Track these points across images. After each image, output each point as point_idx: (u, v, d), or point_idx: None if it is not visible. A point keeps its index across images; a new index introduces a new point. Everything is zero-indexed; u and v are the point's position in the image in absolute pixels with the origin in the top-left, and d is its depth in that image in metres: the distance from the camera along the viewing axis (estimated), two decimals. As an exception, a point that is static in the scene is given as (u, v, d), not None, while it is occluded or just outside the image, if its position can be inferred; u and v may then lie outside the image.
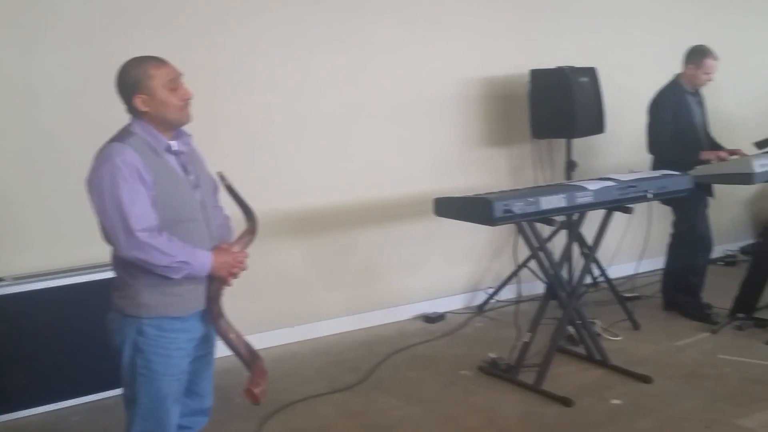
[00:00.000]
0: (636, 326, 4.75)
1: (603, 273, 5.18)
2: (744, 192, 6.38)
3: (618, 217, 4.14)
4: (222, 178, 2.53)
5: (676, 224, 4.94)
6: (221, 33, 4.30)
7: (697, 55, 4.76)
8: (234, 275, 2.44)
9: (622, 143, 5.61)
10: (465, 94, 5.16)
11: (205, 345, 2.52)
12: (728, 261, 6.19)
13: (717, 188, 4.97)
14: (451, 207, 3.85)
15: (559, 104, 4.99)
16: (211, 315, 2.45)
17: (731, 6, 6.28)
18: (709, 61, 4.73)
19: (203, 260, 2.34)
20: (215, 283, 2.42)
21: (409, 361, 4.37)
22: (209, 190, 2.54)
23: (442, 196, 3.88)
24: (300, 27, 4.54)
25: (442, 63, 5.05)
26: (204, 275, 2.37)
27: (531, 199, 3.64)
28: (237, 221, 2.62)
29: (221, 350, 2.58)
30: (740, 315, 4.71)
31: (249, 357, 2.46)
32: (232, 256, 2.41)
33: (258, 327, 4.33)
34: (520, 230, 3.91)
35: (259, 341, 4.14)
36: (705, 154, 4.72)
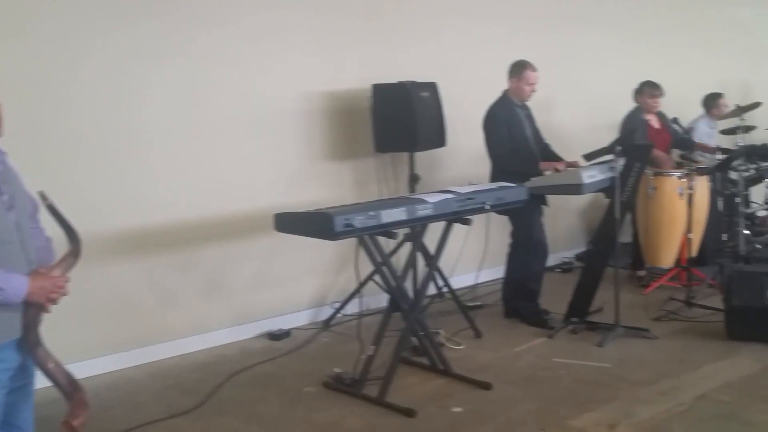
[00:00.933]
0: (478, 334, 4.98)
1: (446, 283, 5.40)
2: (579, 201, 6.83)
3: (459, 228, 4.33)
4: (43, 197, 2.44)
5: (514, 234, 5.22)
6: (43, 42, 4.12)
7: (518, 69, 5.08)
8: (53, 301, 2.35)
9: (464, 156, 5.86)
10: (308, 108, 5.23)
11: (22, 375, 2.41)
12: (565, 268, 6.61)
13: (554, 198, 5.30)
14: (291, 222, 3.89)
15: (401, 118, 5.16)
16: (28, 344, 2.35)
17: (563, 26, 6.72)
18: (528, 73, 5.06)
19: (18, 285, 2.24)
20: (32, 309, 2.32)
21: (252, 380, 4.35)
22: (26, 211, 2.44)
23: (282, 212, 3.91)
24: (132, 37, 4.45)
25: (284, 76, 5.09)
26: (19, 301, 2.28)
27: (372, 213, 3.73)
28: (62, 243, 2.53)
29: (45, 381, 2.49)
30: (574, 319, 5.04)
31: (69, 387, 2.37)
32: (50, 281, 2.33)
33: (89, 353, 4.19)
34: (362, 244, 4.01)
35: (89, 368, 4.06)
36: (544, 165, 5.04)
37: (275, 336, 5.02)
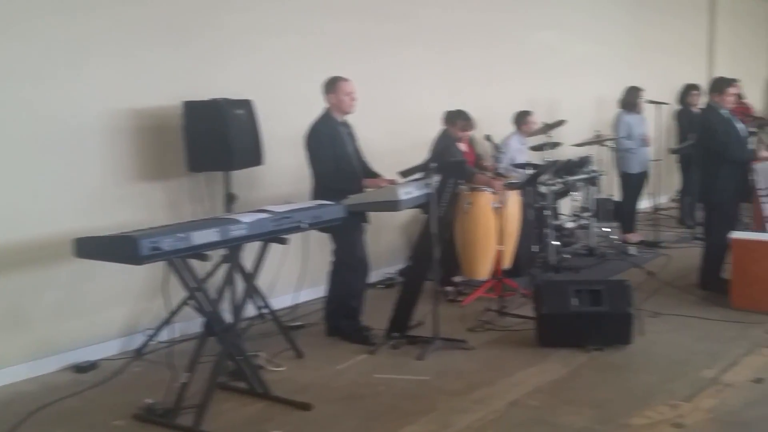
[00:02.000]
0: (299, 355, 4.98)
1: (266, 304, 5.36)
2: (401, 217, 7.01)
3: (278, 247, 4.32)
4: None
5: (336, 252, 5.28)
6: None
7: (331, 84, 5.19)
8: None
9: (285, 174, 5.87)
10: (114, 126, 5.03)
11: None
12: (387, 283, 6.74)
13: (376, 215, 5.43)
14: (94, 247, 3.70)
15: (215, 137, 5.08)
16: None
17: (380, 44, 6.88)
18: (342, 84, 5.17)
19: None
20: None
21: (54, 417, 4.10)
22: None
23: (83, 236, 3.74)
24: None
25: (85, 92, 4.88)
26: None
27: (181, 235, 3.64)
28: None
29: None
30: (395, 334, 5.16)
31: None
32: None
33: None
34: (173, 267, 3.90)
35: None
36: (368, 183, 5.15)
37: (81, 368, 4.77)
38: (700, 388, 4.36)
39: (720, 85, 6.26)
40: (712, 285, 6.22)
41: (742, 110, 9.50)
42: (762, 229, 6.18)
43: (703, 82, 10.58)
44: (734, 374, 4.58)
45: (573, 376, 4.62)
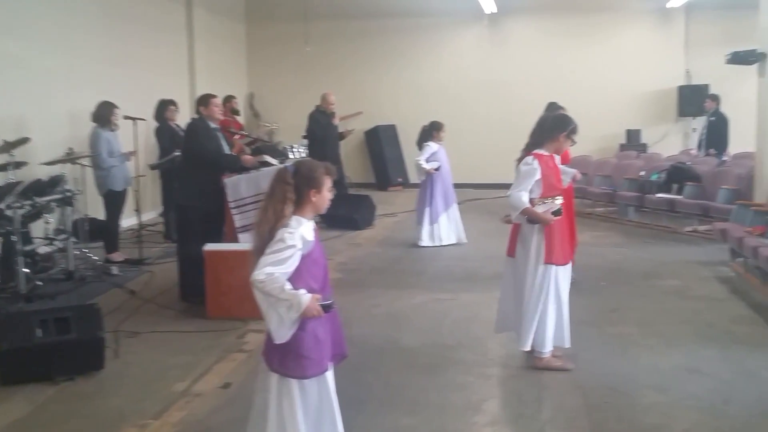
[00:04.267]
0: None
1: None
2: None
3: None
4: None
5: None
6: None
7: None
8: None
9: None
10: None
11: None
12: None
13: None
14: None
15: None
16: None
17: None
18: None
19: None
20: None
21: None
22: None
23: None
24: None
25: None
26: None
27: None
28: None
29: None
30: None
31: None
32: None
33: None
34: None
35: None
36: None
37: None
38: (170, 403, 4.53)
39: (205, 98, 6.80)
40: (192, 296, 6.48)
41: (235, 125, 10.17)
42: (235, 240, 6.61)
43: (186, 99, 11.17)
44: (205, 383, 4.85)
45: (39, 412, 4.43)
